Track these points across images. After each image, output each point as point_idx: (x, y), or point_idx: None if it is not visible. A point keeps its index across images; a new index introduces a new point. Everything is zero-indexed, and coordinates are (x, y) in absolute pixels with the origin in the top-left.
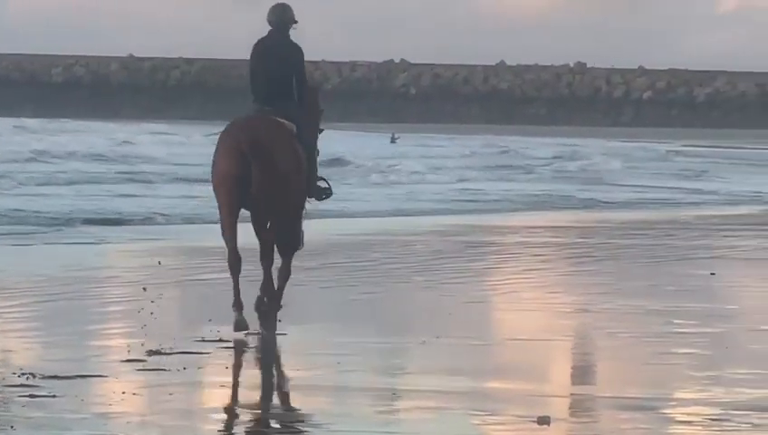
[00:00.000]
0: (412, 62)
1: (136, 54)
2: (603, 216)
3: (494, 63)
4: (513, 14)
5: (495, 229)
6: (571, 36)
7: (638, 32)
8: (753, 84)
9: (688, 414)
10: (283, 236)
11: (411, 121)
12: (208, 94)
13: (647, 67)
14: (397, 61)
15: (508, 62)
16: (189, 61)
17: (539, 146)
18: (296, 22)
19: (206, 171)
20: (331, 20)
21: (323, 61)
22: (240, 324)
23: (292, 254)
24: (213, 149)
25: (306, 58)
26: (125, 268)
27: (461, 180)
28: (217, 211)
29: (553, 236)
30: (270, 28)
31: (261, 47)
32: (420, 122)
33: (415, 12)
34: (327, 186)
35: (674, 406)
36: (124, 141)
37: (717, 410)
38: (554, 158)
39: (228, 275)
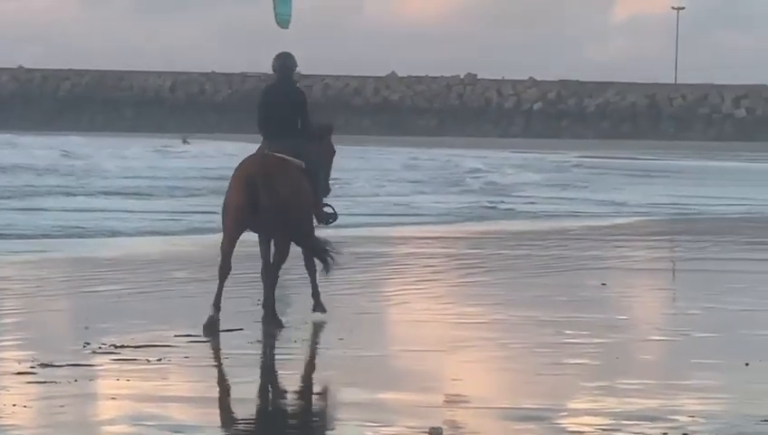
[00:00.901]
0: (302, 72)
1: (26, 66)
2: (497, 226)
3: (384, 75)
4: (404, 26)
5: (387, 240)
6: (462, 47)
7: (529, 43)
8: (643, 95)
9: (580, 425)
10: (306, 250)
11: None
12: (98, 106)
13: (537, 78)
14: None
15: (399, 74)
16: (80, 72)
17: (436, 156)
18: (297, 67)
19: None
20: (220, 30)
21: (213, 72)
22: (211, 324)
23: (312, 252)
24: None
25: (194, 69)
26: (14, 280)
27: (392, 194)
28: (222, 230)
29: (444, 247)
30: (275, 74)
31: (269, 93)
32: None
33: (305, 21)
34: (332, 211)
35: (566, 416)
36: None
37: (608, 421)
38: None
39: (216, 278)
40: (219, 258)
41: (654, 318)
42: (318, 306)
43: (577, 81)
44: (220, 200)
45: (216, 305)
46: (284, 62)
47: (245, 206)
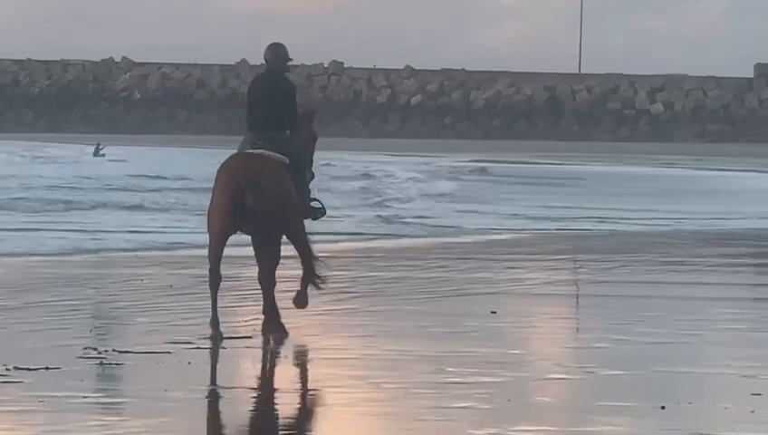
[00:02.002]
0: (136, 60)
1: None
2: (369, 243)
3: (233, 63)
4: (257, 5)
5: (236, 261)
6: (327, 31)
7: (406, 26)
8: (541, 87)
9: None
10: (297, 248)
11: (135, 132)
12: None
13: (415, 67)
14: (117, 59)
15: (251, 62)
16: None
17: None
18: (290, 59)
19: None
20: (38, 12)
21: (29, 60)
22: (216, 338)
23: (308, 251)
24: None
25: (6, 56)
26: None
27: None
28: (207, 236)
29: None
30: (266, 65)
31: (258, 82)
32: (147, 133)
33: (139, 3)
34: (320, 206)
35: None
36: None
37: None
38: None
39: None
40: (208, 268)
41: (553, 353)
42: (301, 296)
43: (463, 70)
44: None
45: (215, 322)
46: (276, 52)
47: (230, 208)
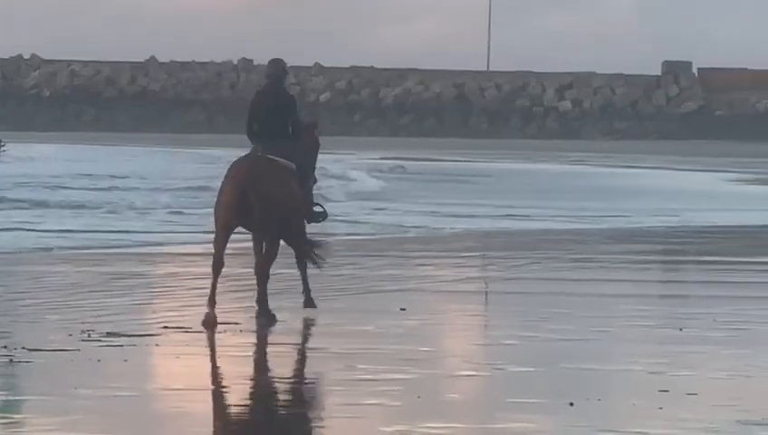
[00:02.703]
0: (45, 57)
1: None
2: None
3: (143, 60)
4: (165, 3)
5: (148, 258)
6: (236, 28)
7: (315, 23)
8: (450, 85)
9: None
10: (296, 249)
11: (45, 130)
12: None
13: (324, 64)
14: (26, 56)
15: (160, 59)
16: None
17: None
18: (288, 73)
19: None
20: None
21: None
22: (209, 319)
23: (304, 250)
24: None
25: None
26: None
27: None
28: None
29: None
30: (267, 79)
31: (261, 96)
32: (57, 130)
33: None
34: (322, 210)
35: None
36: None
37: None
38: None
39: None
40: (213, 254)
41: (463, 349)
42: (308, 302)
43: (372, 67)
44: None
45: (212, 302)
46: (276, 68)
47: (236, 205)
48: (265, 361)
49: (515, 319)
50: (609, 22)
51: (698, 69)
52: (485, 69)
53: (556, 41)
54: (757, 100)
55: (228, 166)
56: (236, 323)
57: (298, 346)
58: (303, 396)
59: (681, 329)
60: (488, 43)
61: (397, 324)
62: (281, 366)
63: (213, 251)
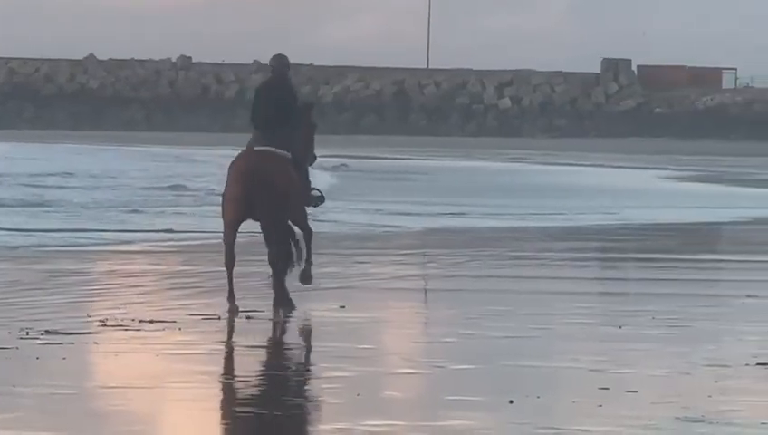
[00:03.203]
0: None
1: None
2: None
3: (81, 57)
4: (104, 1)
5: (85, 256)
6: (174, 25)
7: (254, 21)
8: (390, 82)
9: None
10: (281, 238)
11: None
12: None
13: (263, 62)
14: None
15: (99, 56)
16: None
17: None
18: (290, 68)
19: None
20: None
21: None
22: (233, 311)
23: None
24: None
25: None
26: None
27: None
28: (222, 222)
29: (154, 264)
30: (272, 72)
31: (265, 87)
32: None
33: None
34: (320, 194)
35: None
36: None
37: None
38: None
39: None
40: (224, 250)
41: (402, 347)
42: (305, 275)
43: (311, 65)
44: None
45: (231, 297)
46: (280, 62)
47: (242, 198)
48: (203, 359)
49: (455, 317)
50: (548, 20)
51: (638, 66)
52: (425, 67)
53: (496, 39)
54: (696, 97)
55: (229, 163)
56: (173, 322)
57: (238, 344)
58: (242, 394)
59: (621, 326)
60: (428, 40)
61: (336, 322)
62: (219, 364)
63: (224, 247)
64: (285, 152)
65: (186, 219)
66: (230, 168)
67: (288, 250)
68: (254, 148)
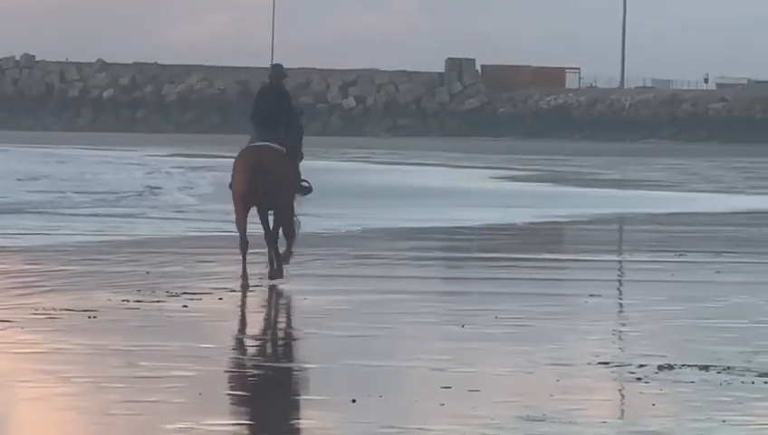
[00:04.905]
0: None
1: None
2: (58, 239)
3: None
4: None
5: None
6: (17, 23)
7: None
8: (234, 81)
9: None
10: (282, 223)
11: None
12: None
13: (108, 61)
14: None
15: None
16: None
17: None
18: (286, 76)
19: None
20: None
21: None
22: (245, 287)
23: (292, 229)
24: None
25: None
26: None
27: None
28: (233, 209)
29: None
30: (269, 79)
31: (262, 93)
32: None
33: None
34: (308, 185)
35: None
36: None
37: None
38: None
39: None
40: (238, 235)
41: (245, 346)
42: (283, 260)
43: (155, 63)
44: None
45: (245, 277)
46: (276, 71)
47: (248, 188)
48: (44, 358)
49: (297, 315)
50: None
51: (482, 66)
52: (269, 65)
53: (341, 38)
54: (540, 97)
55: (238, 155)
56: (9, 321)
57: (78, 344)
58: (85, 395)
59: (463, 326)
60: (272, 39)
61: (179, 321)
62: (61, 363)
63: (238, 234)
64: (281, 147)
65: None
66: (236, 161)
67: (291, 228)
68: (256, 144)
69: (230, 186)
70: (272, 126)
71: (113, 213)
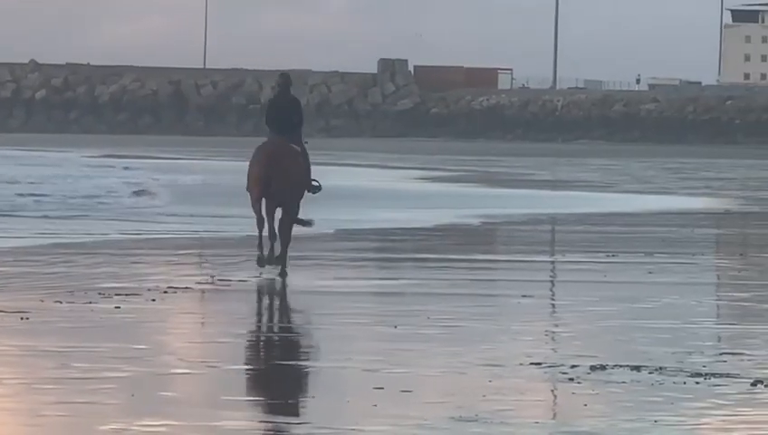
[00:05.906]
0: None
1: None
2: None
3: None
4: None
5: None
6: None
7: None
8: (166, 81)
9: None
10: (285, 224)
11: None
12: None
13: (40, 61)
14: None
15: None
16: None
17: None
18: (292, 83)
19: None
20: None
21: None
22: (261, 260)
23: (291, 225)
24: None
25: None
26: None
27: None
28: (249, 196)
29: None
30: (279, 88)
31: (274, 101)
32: None
33: None
34: (318, 184)
35: None
36: None
37: None
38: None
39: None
40: (255, 215)
41: (177, 347)
42: (281, 258)
43: (88, 64)
44: None
45: (261, 247)
46: (285, 80)
47: (264, 177)
48: None
49: (229, 316)
50: (326, 20)
51: (414, 67)
52: (202, 66)
53: (274, 38)
54: (473, 97)
55: (257, 148)
56: None
57: (11, 345)
58: (17, 396)
59: (396, 326)
60: (204, 40)
61: (111, 323)
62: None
63: (254, 214)
64: (297, 147)
65: None
66: (257, 151)
67: (289, 234)
68: (276, 139)
69: (248, 176)
70: (287, 130)
71: (52, 215)
